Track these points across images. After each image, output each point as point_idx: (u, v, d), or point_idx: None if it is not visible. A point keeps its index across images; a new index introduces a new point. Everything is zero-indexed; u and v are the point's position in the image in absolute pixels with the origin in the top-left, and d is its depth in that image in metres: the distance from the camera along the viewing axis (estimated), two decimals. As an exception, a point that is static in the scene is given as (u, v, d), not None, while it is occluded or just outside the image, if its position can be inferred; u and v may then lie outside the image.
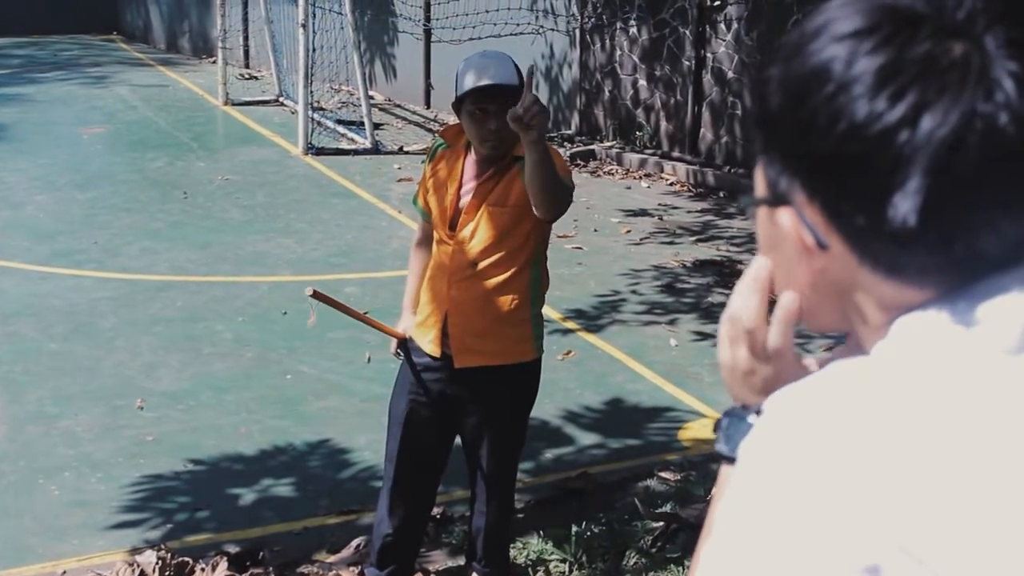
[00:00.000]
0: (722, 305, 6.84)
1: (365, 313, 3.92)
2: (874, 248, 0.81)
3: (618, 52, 11.48)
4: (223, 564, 3.78)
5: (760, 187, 0.90)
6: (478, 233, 3.26)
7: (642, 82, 11.24)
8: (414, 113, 13.61)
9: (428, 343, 3.38)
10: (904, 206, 0.77)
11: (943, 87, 0.76)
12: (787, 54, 0.84)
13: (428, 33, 13.09)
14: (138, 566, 3.76)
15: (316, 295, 3.37)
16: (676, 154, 10.82)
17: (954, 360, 0.79)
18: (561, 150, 10.97)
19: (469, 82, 3.13)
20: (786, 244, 0.87)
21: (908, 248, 0.79)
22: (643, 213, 9.13)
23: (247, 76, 15.76)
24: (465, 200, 3.28)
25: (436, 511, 3.90)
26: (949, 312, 0.80)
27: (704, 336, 6.24)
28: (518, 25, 10.81)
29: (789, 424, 0.81)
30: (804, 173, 0.83)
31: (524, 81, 3.10)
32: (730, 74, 10.26)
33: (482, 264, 3.27)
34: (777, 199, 0.86)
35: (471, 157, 3.30)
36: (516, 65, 3.24)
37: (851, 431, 0.78)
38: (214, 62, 15.14)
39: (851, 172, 0.79)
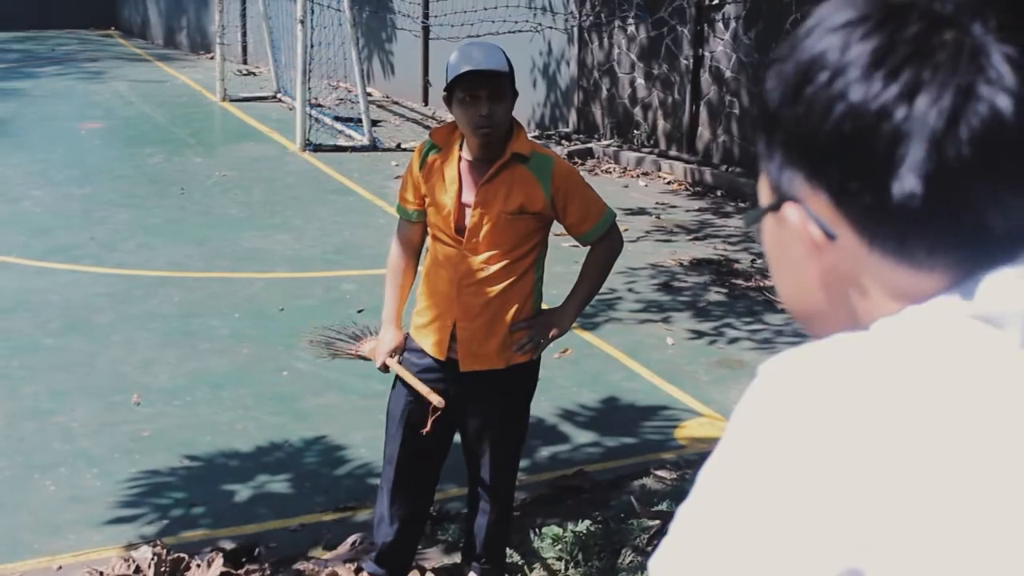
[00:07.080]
0: (719, 304, 6.88)
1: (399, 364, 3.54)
2: (883, 230, 0.81)
3: (616, 50, 11.48)
4: (219, 560, 3.77)
5: (764, 197, 0.90)
6: (486, 239, 3.24)
7: (640, 80, 11.24)
8: (412, 110, 13.60)
9: (432, 346, 3.37)
10: (909, 179, 0.78)
11: (936, 65, 0.78)
12: (784, 54, 0.86)
13: (426, 30, 13.08)
14: (134, 562, 3.76)
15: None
16: (673, 153, 10.82)
17: (962, 349, 0.79)
18: (558, 148, 11.00)
19: (458, 68, 3.15)
20: (794, 247, 0.87)
21: (916, 225, 0.80)
22: (640, 212, 9.13)
23: (245, 72, 15.75)
24: (469, 205, 3.27)
25: (432, 509, 3.90)
26: (959, 302, 0.81)
27: (700, 335, 6.25)
28: (516, 23, 10.82)
29: (783, 394, 0.81)
30: (806, 161, 0.84)
31: (511, 75, 3.17)
32: (728, 73, 10.26)
33: (490, 269, 3.26)
34: (781, 198, 0.87)
35: (465, 159, 3.28)
36: (505, 54, 3.25)
37: (846, 412, 0.78)
38: (212, 58, 15.12)
39: (853, 150, 0.80)
